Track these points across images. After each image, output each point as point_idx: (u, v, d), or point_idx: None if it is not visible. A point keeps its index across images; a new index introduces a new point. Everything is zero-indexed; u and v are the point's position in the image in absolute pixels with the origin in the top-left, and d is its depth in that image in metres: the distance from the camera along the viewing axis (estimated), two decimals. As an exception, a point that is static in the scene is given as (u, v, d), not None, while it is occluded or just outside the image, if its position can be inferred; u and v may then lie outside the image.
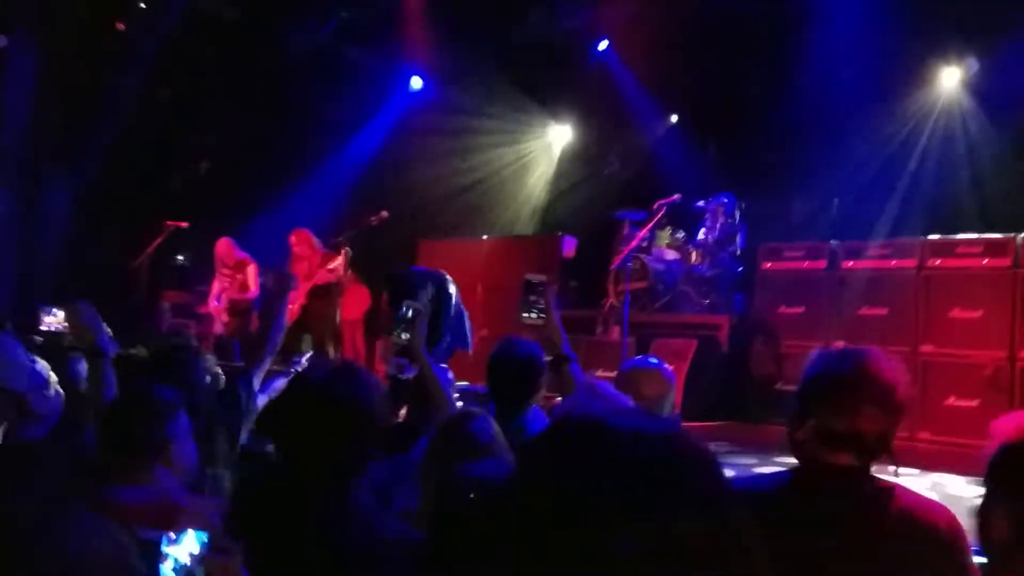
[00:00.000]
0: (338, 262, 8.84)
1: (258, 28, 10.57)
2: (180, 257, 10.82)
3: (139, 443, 2.50)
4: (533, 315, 3.48)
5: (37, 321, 3.93)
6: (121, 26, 10.08)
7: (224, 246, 9.32)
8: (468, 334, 6.59)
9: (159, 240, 9.06)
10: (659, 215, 7.83)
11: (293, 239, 9.20)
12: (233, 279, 9.28)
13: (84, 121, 10.09)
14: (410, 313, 3.48)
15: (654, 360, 3.43)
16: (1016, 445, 1.68)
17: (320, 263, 9.06)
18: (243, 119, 10.87)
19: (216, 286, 9.43)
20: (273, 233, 9.53)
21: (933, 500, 2.05)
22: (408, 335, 3.49)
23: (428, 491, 2.39)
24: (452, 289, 6.39)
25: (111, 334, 3.73)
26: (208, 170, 11.34)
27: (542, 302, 3.47)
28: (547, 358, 3.51)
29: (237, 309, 9.31)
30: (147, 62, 10.09)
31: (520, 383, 3.45)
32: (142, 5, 10.22)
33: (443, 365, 4.15)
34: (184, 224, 9.09)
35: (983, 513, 1.68)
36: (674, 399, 3.28)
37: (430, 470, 2.44)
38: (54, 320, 3.89)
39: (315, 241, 9.17)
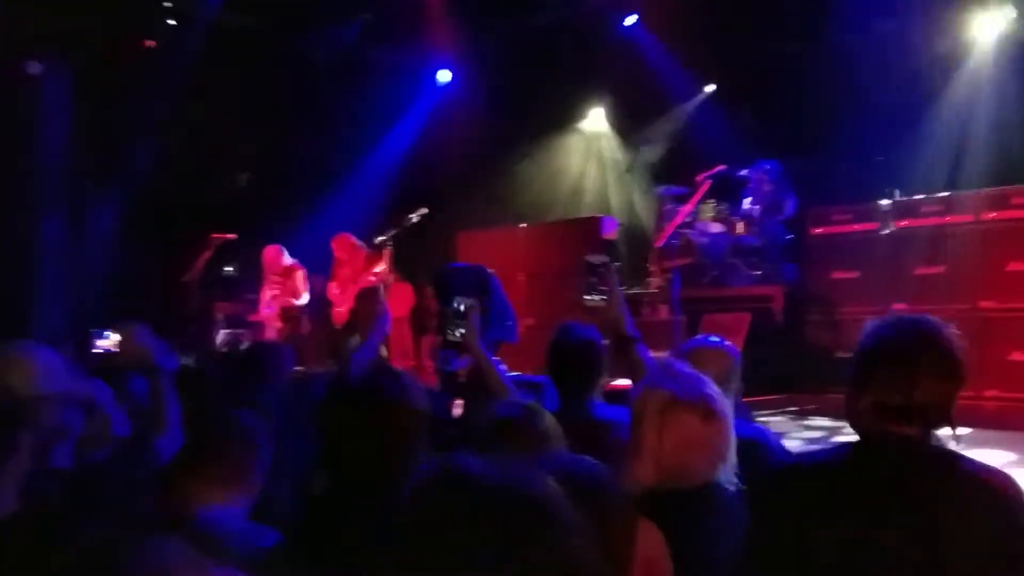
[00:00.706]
0: (382, 264, 8.85)
1: (283, 36, 10.59)
2: (228, 268, 10.91)
3: (226, 469, 2.45)
4: (596, 298, 3.44)
5: (91, 345, 3.96)
6: (151, 43, 10.16)
7: (272, 253, 9.38)
8: (512, 325, 6.58)
9: (208, 254, 9.14)
10: (704, 188, 7.68)
11: (335, 244, 9.24)
12: (284, 286, 9.34)
13: (122, 141, 10.21)
14: (462, 307, 3.47)
15: (715, 339, 3.36)
16: None
17: (364, 266, 9.08)
18: (277, 128, 10.92)
19: (266, 293, 9.49)
20: (316, 238, 9.57)
21: (993, 467, 1.99)
22: (463, 330, 3.48)
23: None
24: (494, 282, 6.39)
25: (168, 348, 3.75)
26: (249, 181, 11.41)
27: (604, 283, 3.42)
28: (606, 341, 3.47)
29: (288, 315, 9.37)
30: (178, 78, 10.17)
31: (581, 369, 3.39)
32: (170, 22, 10.30)
33: (496, 358, 4.13)
34: (231, 236, 9.15)
35: None
36: (739, 373, 3.20)
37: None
38: (107, 343, 3.91)
39: (356, 244, 9.19)
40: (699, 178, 8.51)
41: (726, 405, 2.29)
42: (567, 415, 2.99)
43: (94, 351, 3.93)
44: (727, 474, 2.24)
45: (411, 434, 2.21)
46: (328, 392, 2.39)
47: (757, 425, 3.37)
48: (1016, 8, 8.80)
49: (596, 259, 3.49)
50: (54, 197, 10.27)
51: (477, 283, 6.18)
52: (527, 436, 2.39)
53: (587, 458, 1.84)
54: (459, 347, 4.14)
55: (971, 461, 1.97)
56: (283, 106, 10.87)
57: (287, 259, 9.40)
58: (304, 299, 9.32)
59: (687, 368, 2.59)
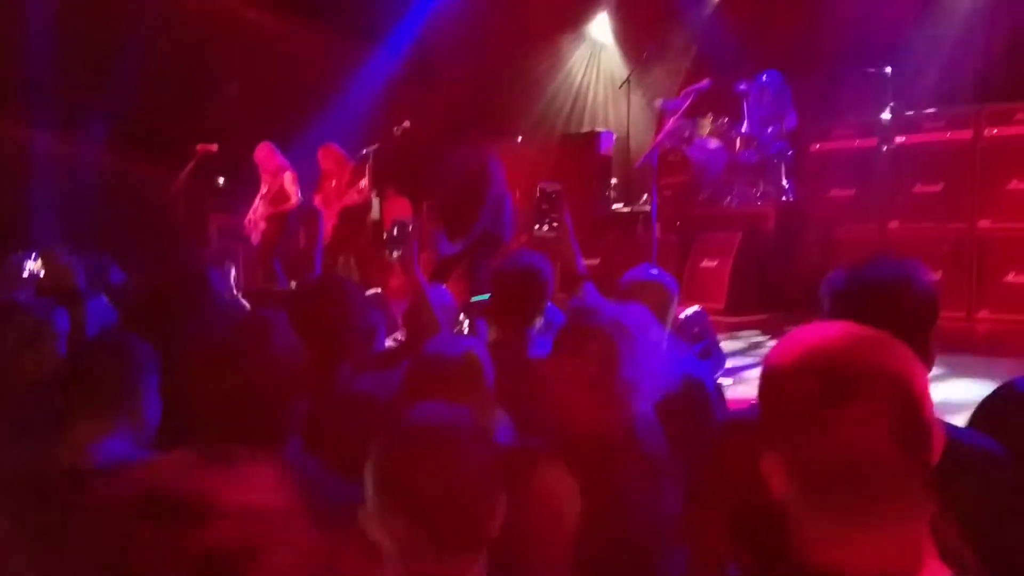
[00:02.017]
0: (365, 181, 8.67)
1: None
2: (221, 179, 10.79)
3: (102, 392, 2.35)
4: (545, 228, 3.29)
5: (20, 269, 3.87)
6: None
7: (264, 150, 9.10)
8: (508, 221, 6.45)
9: (191, 165, 8.98)
10: (689, 101, 7.43)
11: (321, 154, 9.03)
12: (271, 186, 9.11)
13: (110, 52, 10.01)
14: (395, 230, 3.34)
15: (654, 271, 3.22)
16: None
17: (349, 181, 8.89)
18: (267, 35, 10.65)
19: (257, 196, 9.28)
20: (306, 150, 9.39)
21: None
22: (398, 252, 3.36)
23: None
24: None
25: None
26: (238, 91, 11.20)
27: (555, 213, 3.27)
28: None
29: (275, 219, 9.15)
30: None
31: (521, 298, 3.25)
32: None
33: (442, 286, 4.00)
34: (214, 147, 8.96)
35: None
36: (674, 310, 3.08)
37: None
38: (33, 266, 3.82)
39: (343, 156, 8.99)
40: (683, 92, 8.20)
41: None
42: (500, 349, 2.88)
43: (23, 275, 3.83)
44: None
45: None
46: None
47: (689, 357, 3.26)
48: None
49: (549, 186, 3.33)
50: (44, 109, 10.16)
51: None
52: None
53: None
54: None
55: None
56: (274, 11, 10.57)
57: (279, 158, 9.15)
58: (292, 202, 9.05)
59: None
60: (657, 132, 9.45)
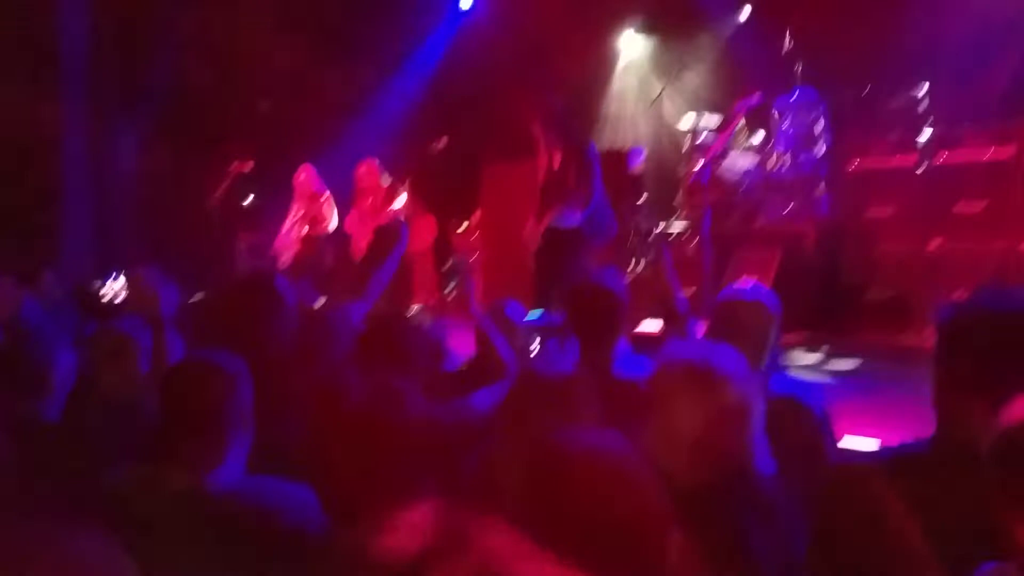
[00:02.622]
0: (402, 199, 8.65)
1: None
2: (252, 196, 10.80)
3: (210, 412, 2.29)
4: (641, 266, 3.28)
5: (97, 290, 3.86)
6: None
7: (304, 174, 9.20)
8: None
9: (227, 183, 9.00)
10: (737, 118, 7.36)
11: (362, 170, 9.01)
12: (308, 209, 9.16)
13: (143, 65, 10.04)
14: (451, 265, 3.31)
15: (751, 289, 3.17)
16: None
17: (385, 200, 8.88)
18: (299, 54, 10.66)
19: (290, 218, 9.32)
20: (336, 169, 9.38)
21: None
22: (454, 285, 3.33)
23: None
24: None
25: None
26: (269, 108, 11.21)
27: (650, 250, 3.25)
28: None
29: (309, 242, 9.19)
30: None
31: (604, 317, 3.19)
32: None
33: (515, 301, 3.95)
34: (248, 165, 8.98)
35: None
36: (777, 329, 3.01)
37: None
38: (116, 287, 3.82)
39: (383, 175, 8.99)
40: (734, 108, 8.13)
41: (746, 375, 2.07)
42: (585, 370, 2.82)
43: (101, 297, 3.83)
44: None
45: None
46: None
47: (794, 379, 3.20)
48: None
49: (644, 222, 3.31)
50: (76, 123, 10.17)
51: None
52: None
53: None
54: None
55: None
56: (304, 34, 10.60)
57: (316, 184, 9.20)
58: (331, 227, 9.11)
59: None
60: (690, 150, 9.40)
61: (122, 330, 3.11)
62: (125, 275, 3.95)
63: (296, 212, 9.22)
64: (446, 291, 3.37)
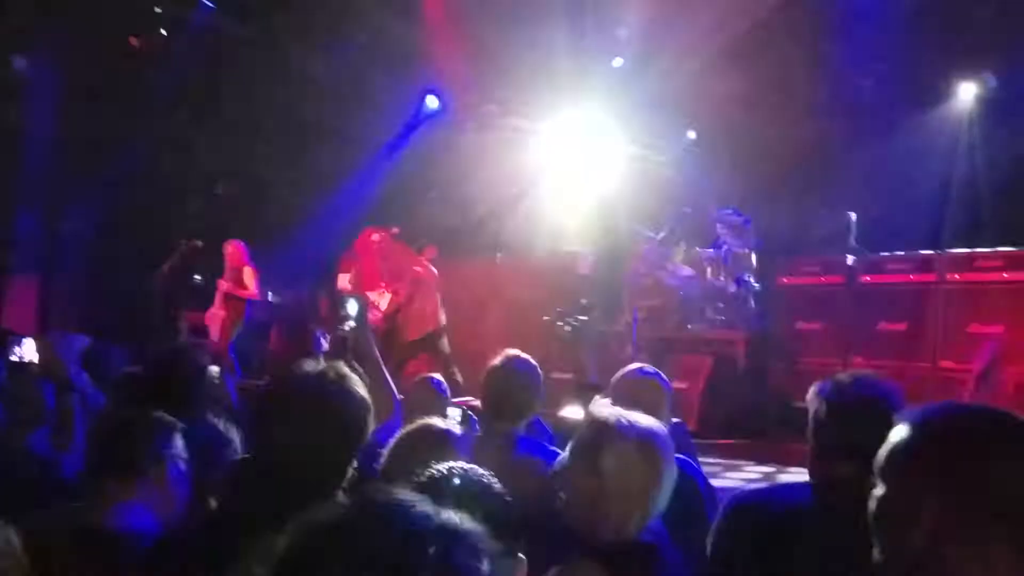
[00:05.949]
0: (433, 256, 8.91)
1: (273, 49, 10.63)
2: (197, 276, 10.86)
3: (125, 462, 2.42)
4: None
5: (8, 351, 3.89)
6: (135, 42, 10.17)
7: (233, 247, 9.36)
8: None
9: (174, 259, 9.10)
10: (665, 231, 7.77)
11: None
12: (234, 281, 9.29)
13: (106, 144, 10.19)
14: (350, 305, 3.46)
15: (649, 369, 3.36)
16: None
17: (415, 258, 9.07)
18: (260, 140, 10.92)
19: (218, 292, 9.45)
20: (292, 250, 9.56)
21: None
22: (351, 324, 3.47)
23: None
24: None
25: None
26: (224, 191, 11.39)
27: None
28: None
29: (232, 303, 9.30)
30: (166, 83, 10.20)
31: (509, 397, 3.28)
32: (162, 32, 10.33)
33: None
34: (198, 243, 9.12)
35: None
36: (669, 409, 3.20)
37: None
38: (24, 351, 3.84)
39: (246, 255, 9.22)
40: (664, 222, 8.58)
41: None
42: (485, 445, 2.93)
43: (11, 358, 3.85)
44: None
45: None
46: None
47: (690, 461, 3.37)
48: (993, 75, 8.97)
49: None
50: (33, 194, 10.25)
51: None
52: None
53: None
54: None
55: None
56: (267, 118, 10.88)
57: (245, 258, 9.36)
58: (251, 292, 9.22)
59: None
60: (634, 256, 9.77)
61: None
62: (35, 339, 4.01)
63: (222, 286, 9.37)
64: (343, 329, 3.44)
